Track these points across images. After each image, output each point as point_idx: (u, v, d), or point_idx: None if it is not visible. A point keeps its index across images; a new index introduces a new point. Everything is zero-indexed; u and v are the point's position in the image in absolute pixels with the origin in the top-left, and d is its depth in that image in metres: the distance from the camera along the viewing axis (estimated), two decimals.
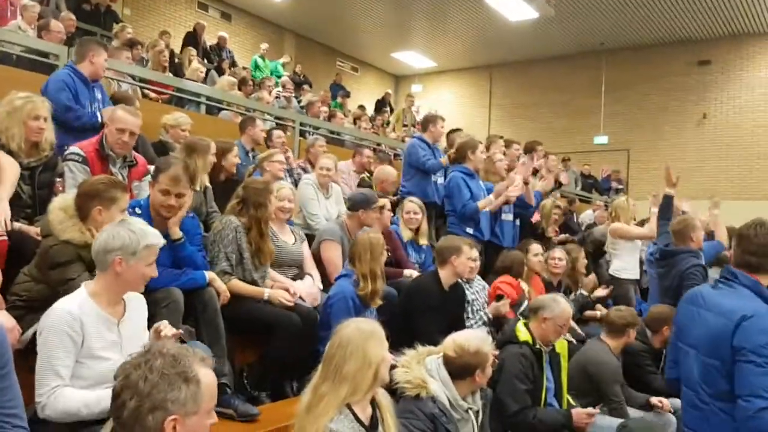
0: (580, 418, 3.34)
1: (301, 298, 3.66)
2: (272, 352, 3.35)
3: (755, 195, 13.63)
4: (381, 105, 15.49)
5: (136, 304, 2.41)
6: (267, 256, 3.56)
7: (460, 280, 4.30)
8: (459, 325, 4.01)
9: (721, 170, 14.22)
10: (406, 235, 4.91)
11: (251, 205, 3.52)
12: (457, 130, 8.28)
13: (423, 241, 5.02)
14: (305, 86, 13.22)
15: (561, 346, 3.70)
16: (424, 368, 2.69)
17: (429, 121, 5.78)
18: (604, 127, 16.13)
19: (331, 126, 9.22)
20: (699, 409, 2.47)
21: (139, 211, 3.10)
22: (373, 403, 2.26)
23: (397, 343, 3.05)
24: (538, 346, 3.45)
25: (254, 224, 3.51)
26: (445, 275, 4.08)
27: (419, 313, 3.84)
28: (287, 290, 3.52)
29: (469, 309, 4.43)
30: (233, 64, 12.10)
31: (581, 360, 4.17)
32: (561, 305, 3.50)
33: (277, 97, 9.93)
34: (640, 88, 15.76)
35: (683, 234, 4.77)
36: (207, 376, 1.47)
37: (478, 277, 4.73)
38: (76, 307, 2.17)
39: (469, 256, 4.20)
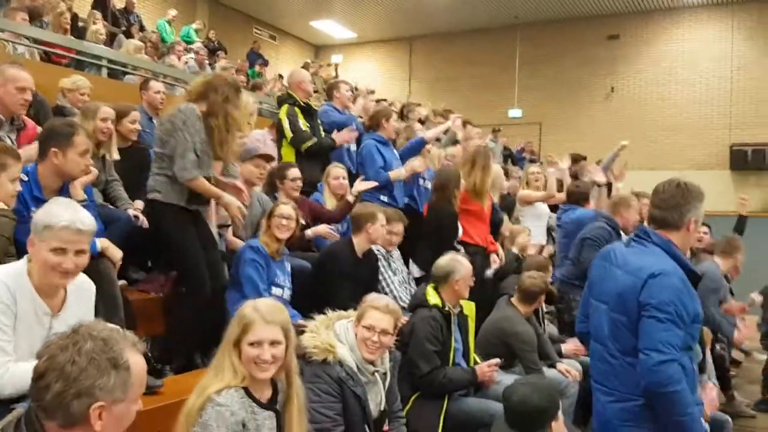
0: (483, 371, 3.54)
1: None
2: (177, 319, 3.26)
3: (660, 165, 14.32)
4: None
5: (80, 295, 2.23)
6: (226, 151, 3.40)
7: (377, 250, 4.30)
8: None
9: (626, 141, 14.82)
10: (331, 203, 4.79)
11: (220, 94, 3.30)
12: (383, 100, 8.32)
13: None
14: (220, 53, 12.81)
15: (469, 308, 3.79)
16: (333, 333, 2.68)
17: (332, 88, 5.75)
18: (519, 100, 16.49)
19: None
20: (607, 363, 2.53)
21: (26, 178, 2.90)
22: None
23: (308, 310, 3.05)
24: (447, 309, 3.52)
25: (221, 115, 3.30)
26: (360, 242, 4.07)
27: (332, 281, 3.82)
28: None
29: (395, 281, 4.42)
30: (142, 28, 11.58)
31: (496, 327, 4.27)
32: (465, 264, 3.66)
33: (186, 63, 9.55)
34: (553, 62, 16.20)
35: (615, 208, 4.98)
36: (137, 363, 1.40)
37: (397, 250, 4.74)
38: (11, 280, 2.01)
39: (383, 223, 4.19)
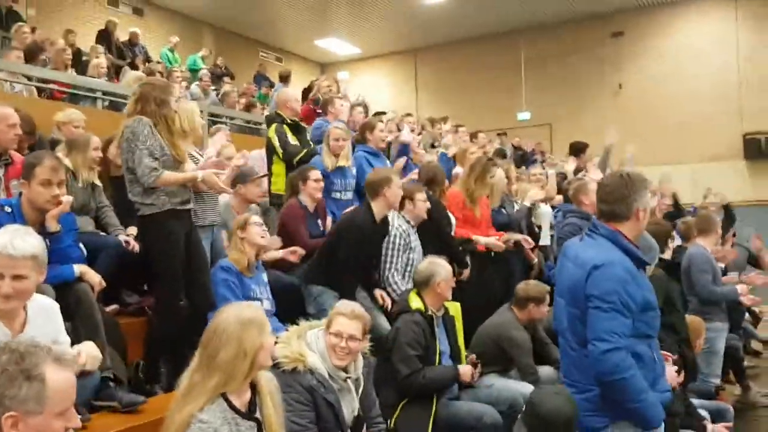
0: (465, 370, 3.55)
1: None
2: (151, 336, 3.33)
3: (672, 160, 14.16)
4: (308, 93, 15.40)
5: (43, 315, 2.29)
6: (176, 149, 3.43)
7: (403, 226, 4.43)
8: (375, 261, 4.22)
9: (638, 138, 14.64)
10: (330, 163, 4.98)
11: (152, 102, 3.38)
12: (382, 113, 8.40)
13: (346, 163, 5.11)
14: (225, 78, 13.03)
15: (455, 308, 3.82)
16: (304, 342, 2.72)
17: (327, 103, 5.83)
18: (527, 103, 16.46)
19: (241, 115, 9.20)
20: (568, 355, 2.59)
21: (9, 210, 3.01)
22: (255, 386, 2.24)
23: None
24: (430, 313, 3.56)
25: (160, 121, 3.38)
26: (378, 207, 4.13)
27: (348, 247, 3.93)
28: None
29: (398, 263, 4.44)
30: (148, 60, 11.83)
31: (491, 331, 4.27)
32: (445, 266, 3.69)
33: (187, 88, 9.72)
34: (559, 63, 16.14)
35: (575, 197, 4.97)
36: (57, 377, 1.42)
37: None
38: None
39: (399, 185, 4.24)
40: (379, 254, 4.32)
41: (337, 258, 3.94)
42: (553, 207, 6.83)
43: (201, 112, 7.55)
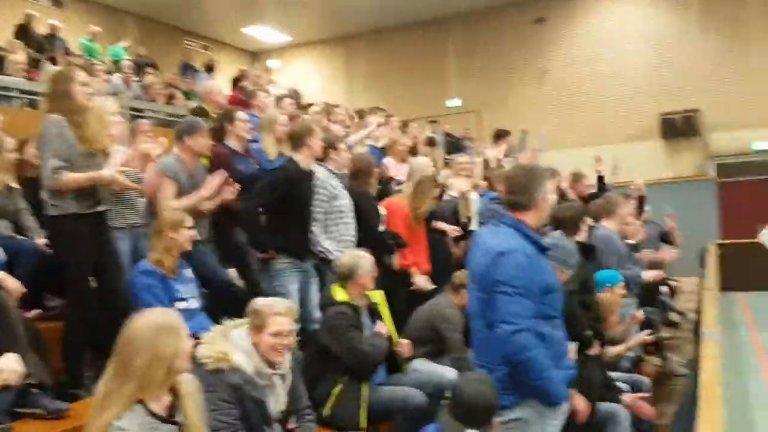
0: (404, 342, 3.79)
1: None
2: (67, 338, 3.30)
3: (595, 141, 14.70)
4: (237, 83, 15.15)
5: None
6: (86, 144, 3.35)
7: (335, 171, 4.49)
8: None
9: (563, 121, 15.21)
10: (274, 151, 5.00)
11: (58, 97, 3.34)
12: (311, 105, 8.38)
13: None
14: (148, 68, 12.66)
15: (379, 297, 3.96)
16: (229, 341, 2.75)
17: (250, 96, 5.82)
18: (456, 90, 16.74)
19: (164, 108, 9.00)
20: (478, 338, 2.76)
21: None
22: (175, 390, 2.24)
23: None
24: (355, 303, 3.69)
25: (67, 114, 3.31)
26: (302, 157, 4.16)
27: (286, 197, 3.99)
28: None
29: (341, 203, 4.47)
30: (68, 53, 11.39)
31: (427, 312, 4.46)
32: (366, 258, 3.77)
33: (108, 81, 9.43)
34: (486, 50, 16.49)
35: (494, 185, 5.16)
36: None
37: None
38: None
39: (321, 137, 4.29)
40: (310, 206, 4.32)
41: (279, 213, 3.98)
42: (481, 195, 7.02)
43: (122, 107, 7.41)
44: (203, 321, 3.50)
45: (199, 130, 4.19)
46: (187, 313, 3.28)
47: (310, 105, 8.14)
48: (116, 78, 10.05)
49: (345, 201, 4.51)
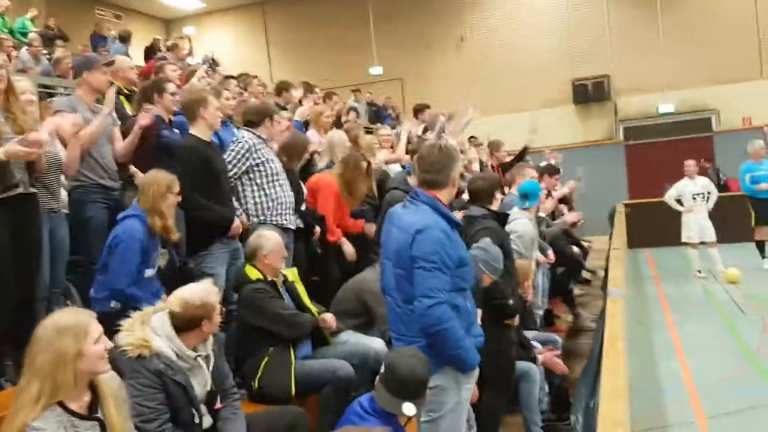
0: (328, 317, 3.90)
1: None
2: None
3: (513, 108, 15.13)
4: (151, 53, 14.60)
5: None
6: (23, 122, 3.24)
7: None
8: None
9: (481, 88, 15.52)
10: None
11: None
12: (231, 77, 8.17)
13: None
14: (58, 41, 12.03)
15: (292, 274, 4.02)
16: (148, 327, 2.76)
17: (159, 70, 5.65)
18: (378, 58, 16.74)
19: (74, 84, 8.50)
20: (395, 312, 2.88)
21: None
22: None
23: None
24: (270, 279, 3.75)
25: None
26: (199, 130, 4.08)
27: (197, 174, 3.91)
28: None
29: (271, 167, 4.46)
30: None
31: (355, 285, 4.53)
32: (271, 238, 3.80)
33: (17, 57, 8.93)
34: (405, 17, 16.58)
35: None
36: None
37: None
38: None
39: (216, 106, 4.19)
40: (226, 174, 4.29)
41: (199, 191, 3.89)
42: (403, 167, 7.12)
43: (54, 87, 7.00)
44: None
45: (98, 66, 4.14)
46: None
47: (229, 77, 7.95)
48: (24, 53, 9.51)
49: (276, 165, 4.53)
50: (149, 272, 3.61)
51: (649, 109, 15.01)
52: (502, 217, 4.46)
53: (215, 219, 4.02)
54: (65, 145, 3.72)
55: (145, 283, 3.56)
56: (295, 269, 4.10)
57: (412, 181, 4.82)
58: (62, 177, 3.87)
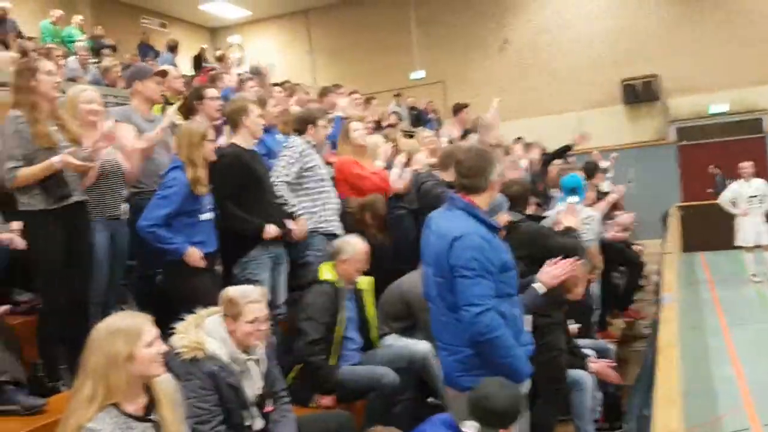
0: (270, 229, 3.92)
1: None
2: (38, 336, 3.29)
3: (557, 109, 14.91)
4: (198, 62, 14.89)
5: None
6: (42, 139, 3.25)
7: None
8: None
9: (525, 90, 15.36)
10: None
11: (16, 90, 3.28)
12: (275, 84, 8.29)
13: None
14: (105, 50, 12.35)
15: (367, 282, 4.02)
16: (202, 330, 2.80)
17: (215, 79, 5.75)
18: (420, 61, 16.72)
19: (123, 93, 8.68)
20: (439, 321, 2.81)
21: None
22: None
23: None
24: (340, 285, 3.77)
25: (26, 110, 3.23)
26: (242, 139, 4.08)
27: (238, 180, 3.93)
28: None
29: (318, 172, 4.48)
30: (20, 35, 11.05)
31: (398, 288, 4.47)
32: (356, 247, 3.80)
33: (65, 66, 9.19)
34: (447, 20, 16.46)
35: (445, 164, 5.20)
36: None
37: None
38: None
39: (258, 114, 4.18)
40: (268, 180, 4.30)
41: (240, 200, 3.91)
42: None
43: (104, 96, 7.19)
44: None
45: (150, 76, 4.22)
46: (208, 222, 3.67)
47: (276, 85, 8.06)
48: (72, 61, 9.77)
49: (324, 170, 4.56)
50: (204, 216, 3.67)
51: (700, 110, 14.59)
52: (538, 221, 4.41)
53: (247, 229, 3.99)
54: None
55: (195, 228, 3.62)
56: (371, 279, 4.07)
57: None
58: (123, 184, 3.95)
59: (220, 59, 11.51)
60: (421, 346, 4.02)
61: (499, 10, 16.07)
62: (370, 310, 4.08)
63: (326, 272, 3.79)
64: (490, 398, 2.52)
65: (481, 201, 2.77)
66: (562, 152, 8.48)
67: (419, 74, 16.61)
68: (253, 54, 16.16)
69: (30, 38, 10.80)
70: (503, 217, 3.84)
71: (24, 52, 8.47)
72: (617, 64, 14.95)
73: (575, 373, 4.11)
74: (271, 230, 3.99)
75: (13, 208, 3.48)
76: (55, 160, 3.20)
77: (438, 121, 13.49)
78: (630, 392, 4.74)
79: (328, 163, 5.11)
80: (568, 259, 3.28)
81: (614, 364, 4.62)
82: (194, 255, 3.53)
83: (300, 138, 4.55)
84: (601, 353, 4.69)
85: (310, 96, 7.71)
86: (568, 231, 4.14)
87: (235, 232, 3.95)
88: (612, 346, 5.04)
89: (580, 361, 4.30)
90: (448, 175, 5.14)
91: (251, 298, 2.83)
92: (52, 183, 3.28)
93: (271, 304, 3.83)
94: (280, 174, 4.34)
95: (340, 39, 17.78)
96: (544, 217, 4.54)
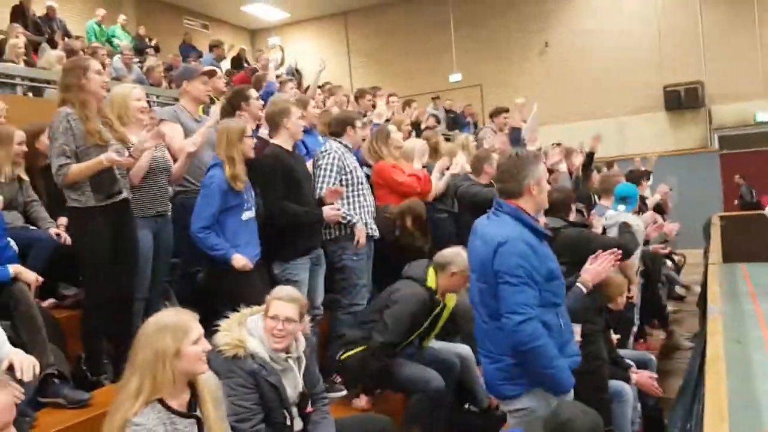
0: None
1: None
2: (83, 331, 3.35)
3: (598, 114, 14.69)
4: (238, 63, 15.07)
5: None
6: (94, 137, 3.30)
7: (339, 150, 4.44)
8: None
9: (565, 94, 15.15)
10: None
11: (66, 88, 3.33)
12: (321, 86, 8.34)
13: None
14: (148, 50, 12.57)
15: (452, 300, 3.97)
16: (245, 329, 2.81)
17: (260, 80, 5.80)
18: (458, 64, 16.65)
19: (167, 92, 8.85)
20: (481, 328, 2.77)
21: None
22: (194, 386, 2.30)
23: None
24: (437, 297, 3.78)
25: (77, 108, 3.28)
26: (282, 140, 4.11)
27: (279, 184, 3.95)
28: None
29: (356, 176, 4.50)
30: (67, 34, 11.31)
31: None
32: (465, 257, 3.75)
33: (111, 65, 9.37)
34: (486, 23, 16.37)
35: (477, 168, 5.17)
36: None
37: None
38: None
39: (298, 115, 4.20)
40: (310, 178, 4.34)
41: (287, 203, 3.96)
42: None
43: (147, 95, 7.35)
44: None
45: (197, 76, 4.28)
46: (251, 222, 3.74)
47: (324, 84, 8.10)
48: (116, 61, 9.96)
49: (361, 173, 4.58)
50: (246, 215, 3.73)
51: (745, 117, 14.22)
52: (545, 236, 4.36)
53: (306, 221, 4.06)
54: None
55: (239, 231, 3.68)
56: (455, 297, 4.00)
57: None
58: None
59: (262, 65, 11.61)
60: (461, 349, 4.05)
61: (540, 13, 15.90)
62: (441, 324, 4.05)
63: (431, 278, 3.77)
64: (571, 423, 2.43)
65: (527, 205, 2.70)
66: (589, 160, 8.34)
67: (456, 77, 16.55)
68: (292, 56, 16.31)
69: (77, 37, 11.05)
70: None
71: (72, 51, 8.68)
72: (660, 69, 14.66)
73: (616, 384, 4.03)
74: (330, 212, 4.13)
75: (61, 204, 3.58)
76: (104, 157, 3.26)
77: (475, 125, 13.43)
78: (671, 405, 4.62)
79: (367, 166, 5.13)
80: (609, 252, 3.22)
81: (656, 376, 4.52)
82: (240, 261, 3.58)
83: (335, 142, 4.56)
84: (643, 365, 4.60)
85: (349, 98, 7.71)
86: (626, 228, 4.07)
87: (293, 229, 4.00)
88: (653, 357, 4.94)
89: (623, 372, 4.22)
90: (482, 179, 5.21)
91: (279, 295, 2.85)
92: (104, 180, 3.34)
93: (311, 305, 3.85)
94: (322, 187, 4.36)
95: (378, 41, 17.82)
96: (586, 225, 4.44)
